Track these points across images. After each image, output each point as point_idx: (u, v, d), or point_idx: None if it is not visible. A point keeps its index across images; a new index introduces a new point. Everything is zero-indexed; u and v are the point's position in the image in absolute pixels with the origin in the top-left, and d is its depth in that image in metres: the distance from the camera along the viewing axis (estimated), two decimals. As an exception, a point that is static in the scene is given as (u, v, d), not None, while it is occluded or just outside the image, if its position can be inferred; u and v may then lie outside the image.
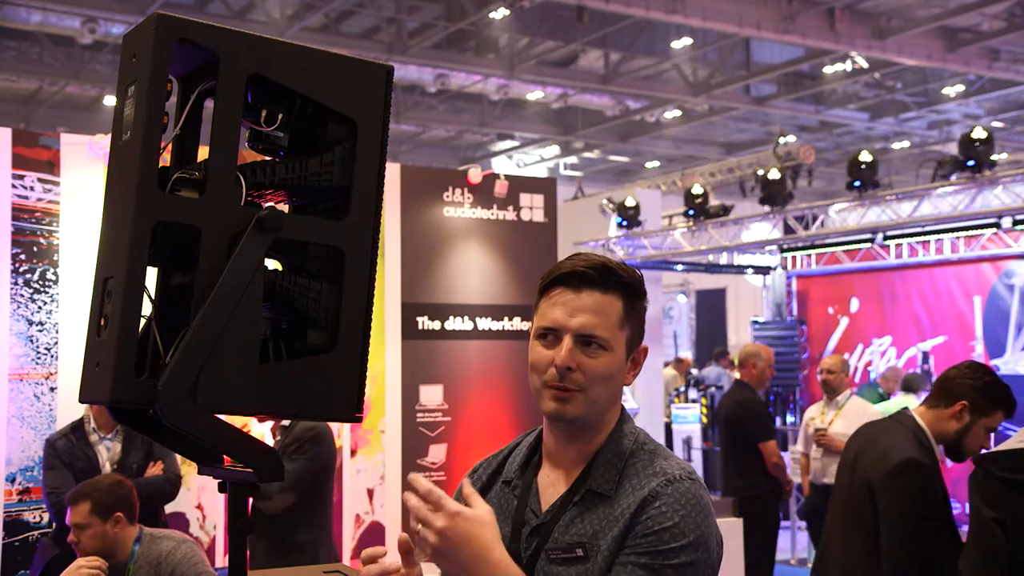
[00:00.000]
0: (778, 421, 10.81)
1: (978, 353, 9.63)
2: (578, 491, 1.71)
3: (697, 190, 11.96)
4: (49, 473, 4.70)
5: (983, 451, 3.13)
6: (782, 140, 13.53)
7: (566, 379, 1.67)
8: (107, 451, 4.76)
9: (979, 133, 8.98)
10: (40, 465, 5.12)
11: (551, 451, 1.78)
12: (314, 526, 4.66)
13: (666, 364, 15.90)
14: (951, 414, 3.21)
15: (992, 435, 3.28)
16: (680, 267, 13.57)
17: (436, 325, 7.27)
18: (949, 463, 9.64)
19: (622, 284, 1.71)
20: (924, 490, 3.12)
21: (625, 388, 1.80)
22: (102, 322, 1.65)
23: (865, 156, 9.94)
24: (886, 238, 10.60)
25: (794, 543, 9.08)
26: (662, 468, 1.69)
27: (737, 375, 8.22)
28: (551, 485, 1.76)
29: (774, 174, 11.07)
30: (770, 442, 6.61)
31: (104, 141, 5.96)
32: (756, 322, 12.47)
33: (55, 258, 5.97)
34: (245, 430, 1.74)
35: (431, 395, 7.22)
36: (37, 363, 5.87)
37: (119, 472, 4.62)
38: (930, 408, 3.28)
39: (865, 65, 14.88)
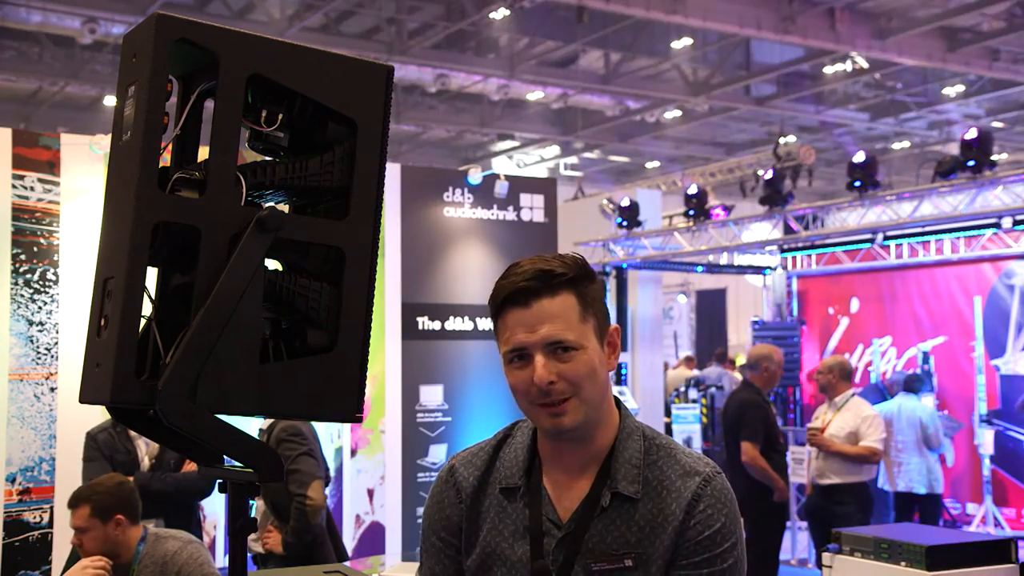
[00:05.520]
0: (779, 422, 10.80)
1: (978, 353, 9.62)
2: (601, 496, 1.67)
3: (693, 190, 11.93)
4: (89, 465, 4.72)
5: None
6: (782, 140, 13.52)
7: (551, 393, 1.65)
8: (146, 446, 4.79)
9: (979, 134, 8.98)
10: (40, 466, 5.12)
11: (553, 457, 1.73)
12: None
13: (675, 366, 15.92)
14: None
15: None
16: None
17: (436, 325, 7.27)
18: (949, 463, 9.63)
19: (566, 281, 1.68)
20: None
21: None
22: (102, 322, 1.65)
23: (860, 157, 9.91)
24: (886, 238, 10.59)
25: (794, 543, 9.06)
26: (691, 466, 1.70)
27: (738, 375, 8.19)
28: (565, 491, 1.71)
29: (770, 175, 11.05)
30: (747, 443, 6.56)
31: (104, 141, 5.96)
32: (756, 322, 12.46)
33: (55, 258, 5.97)
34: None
35: (431, 395, 7.23)
36: (37, 363, 5.87)
37: (157, 467, 4.67)
38: None
39: (865, 65, 14.87)
